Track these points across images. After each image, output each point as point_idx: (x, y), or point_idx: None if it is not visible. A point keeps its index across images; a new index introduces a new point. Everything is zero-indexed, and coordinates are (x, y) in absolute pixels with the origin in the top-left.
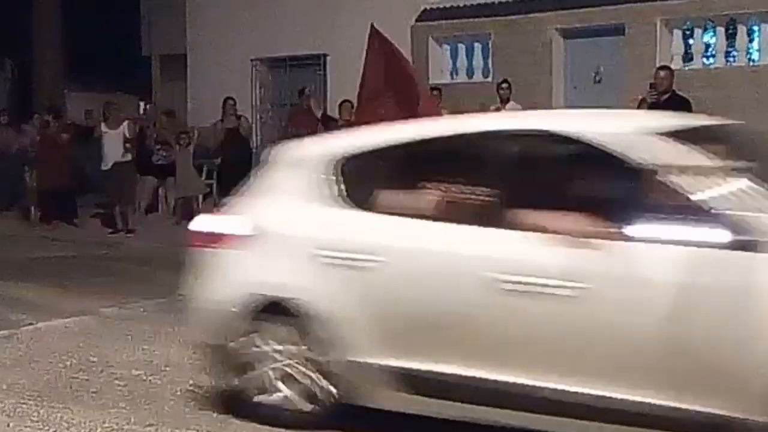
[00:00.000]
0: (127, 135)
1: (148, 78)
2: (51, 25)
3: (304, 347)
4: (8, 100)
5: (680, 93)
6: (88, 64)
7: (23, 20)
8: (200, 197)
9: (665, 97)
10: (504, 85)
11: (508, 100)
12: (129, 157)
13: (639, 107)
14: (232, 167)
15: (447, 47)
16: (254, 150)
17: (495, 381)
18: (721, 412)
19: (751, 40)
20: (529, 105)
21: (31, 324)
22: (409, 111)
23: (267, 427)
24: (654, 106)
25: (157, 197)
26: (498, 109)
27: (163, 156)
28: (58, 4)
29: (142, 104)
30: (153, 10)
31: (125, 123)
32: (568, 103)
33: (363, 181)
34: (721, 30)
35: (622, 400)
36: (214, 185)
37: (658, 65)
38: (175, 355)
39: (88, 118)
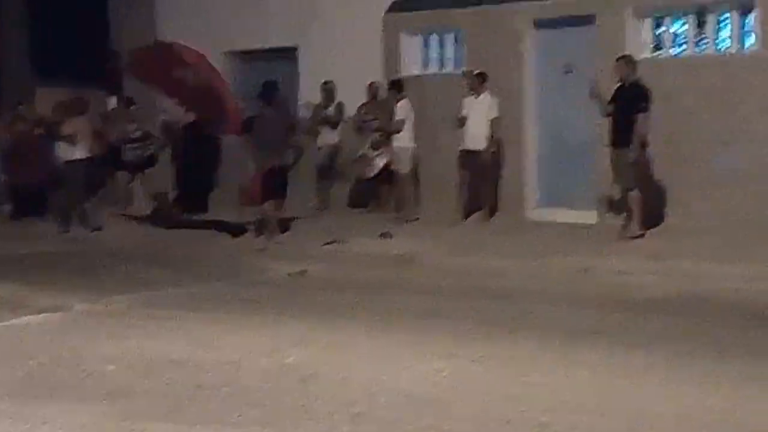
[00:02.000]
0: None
1: (117, 73)
2: (17, 19)
3: None
4: None
5: (640, 82)
6: (56, 59)
7: None
8: (171, 192)
9: (618, 85)
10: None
11: (478, 90)
12: (95, 151)
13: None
14: (195, 162)
15: (418, 38)
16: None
17: None
18: None
19: (720, 29)
20: (500, 95)
21: (2, 321)
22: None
23: (235, 422)
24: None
25: (130, 193)
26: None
27: (135, 149)
28: None
29: (111, 99)
30: (122, 3)
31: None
32: (540, 93)
33: None
34: (691, 19)
35: None
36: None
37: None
38: (149, 350)
39: (56, 113)
